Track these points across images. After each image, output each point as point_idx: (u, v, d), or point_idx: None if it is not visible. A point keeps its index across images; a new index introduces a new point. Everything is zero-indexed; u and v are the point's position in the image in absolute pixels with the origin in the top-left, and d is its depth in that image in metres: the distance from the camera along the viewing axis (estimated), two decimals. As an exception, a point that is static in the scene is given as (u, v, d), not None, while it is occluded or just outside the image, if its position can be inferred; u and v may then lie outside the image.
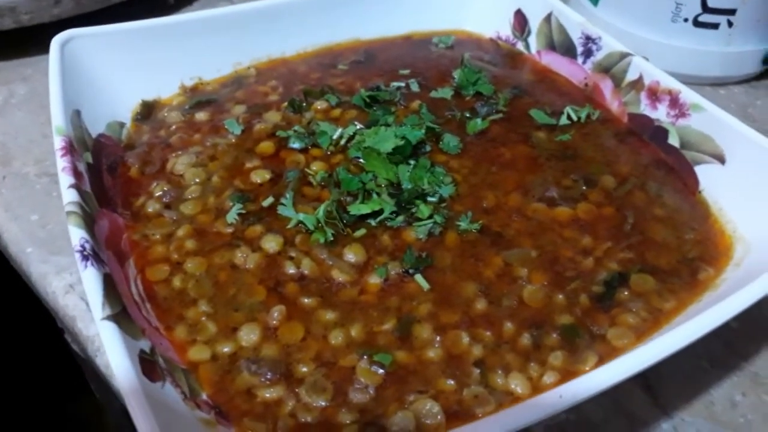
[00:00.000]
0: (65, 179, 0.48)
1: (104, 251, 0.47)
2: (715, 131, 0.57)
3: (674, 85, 0.60)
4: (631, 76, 0.64)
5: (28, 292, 0.60)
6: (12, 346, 1.08)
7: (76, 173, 0.50)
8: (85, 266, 0.43)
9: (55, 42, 0.59)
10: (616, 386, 0.39)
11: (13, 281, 0.62)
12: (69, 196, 0.47)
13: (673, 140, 0.60)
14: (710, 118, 0.57)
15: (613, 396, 0.47)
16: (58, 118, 0.53)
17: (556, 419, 0.46)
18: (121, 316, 0.42)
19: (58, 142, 0.51)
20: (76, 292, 0.53)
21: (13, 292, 0.71)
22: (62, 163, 0.49)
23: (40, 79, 0.75)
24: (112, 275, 0.45)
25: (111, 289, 0.43)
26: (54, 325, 0.62)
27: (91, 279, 0.42)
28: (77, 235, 0.44)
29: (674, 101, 0.60)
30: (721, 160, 0.56)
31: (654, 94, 0.61)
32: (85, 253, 0.43)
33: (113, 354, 0.38)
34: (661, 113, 0.61)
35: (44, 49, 0.59)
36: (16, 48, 0.78)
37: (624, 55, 0.64)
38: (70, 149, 0.51)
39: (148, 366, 0.40)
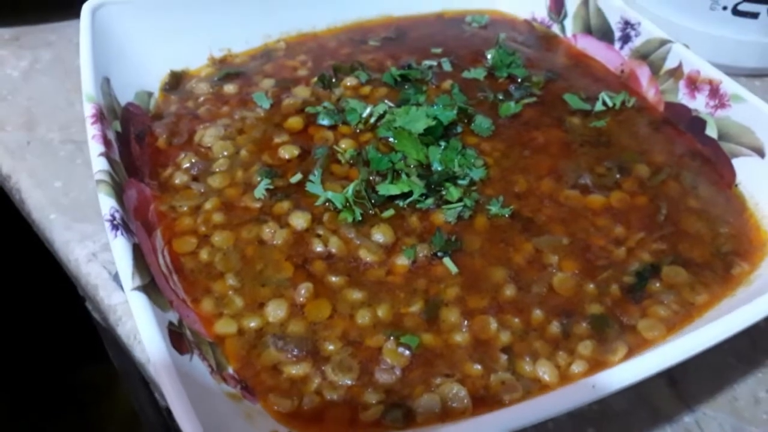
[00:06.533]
0: (95, 147, 0.48)
1: (133, 221, 0.47)
2: (756, 123, 0.55)
3: (715, 75, 0.58)
4: (670, 64, 0.62)
5: (49, 258, 0.60)
6: (31, 311, 1.09)
7: (106, 141, 0.49)
8: (115, 235, 0.42)
9: (86, 8, 0.58)
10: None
11: (35, 247, 0.62)
12: (99, 165, 0.47)
13: (711, 131, 0.59)
14: (751, 110, 0.55)
15: (637, 387, 0.46)
16: (88, 85, 0.52)
17: (579, 407, 0.46)
18: (150, 287, 0.41)
19: (89, 110, 0.50)
20: (98, 260, 0.53)
21: (35, 258, 0.71)
22: (92, 130, 0.49)
23: (64, 45, 0.74)
24: (141, 246, 0.45)
25: (140, 259, 0.43)
26: (73, 292, 0.62)
27: (121, 249, 0.42)
28: (107, 204, 0.44)
29: (714, 91, 0.58)
30: (761, 153, 0.55)
31: (693, 84, 0.60)
32: (115, 222, 0.43)
33: (143, 325, 0.38)
34: (699, 103, 0.60)
35: (69, 14, 0.58)
36: (40, 13, 0.77)
37: (663, 42, 0.62)
38: (100, 117, 0.50)
39: (176, 338, 0.40)
